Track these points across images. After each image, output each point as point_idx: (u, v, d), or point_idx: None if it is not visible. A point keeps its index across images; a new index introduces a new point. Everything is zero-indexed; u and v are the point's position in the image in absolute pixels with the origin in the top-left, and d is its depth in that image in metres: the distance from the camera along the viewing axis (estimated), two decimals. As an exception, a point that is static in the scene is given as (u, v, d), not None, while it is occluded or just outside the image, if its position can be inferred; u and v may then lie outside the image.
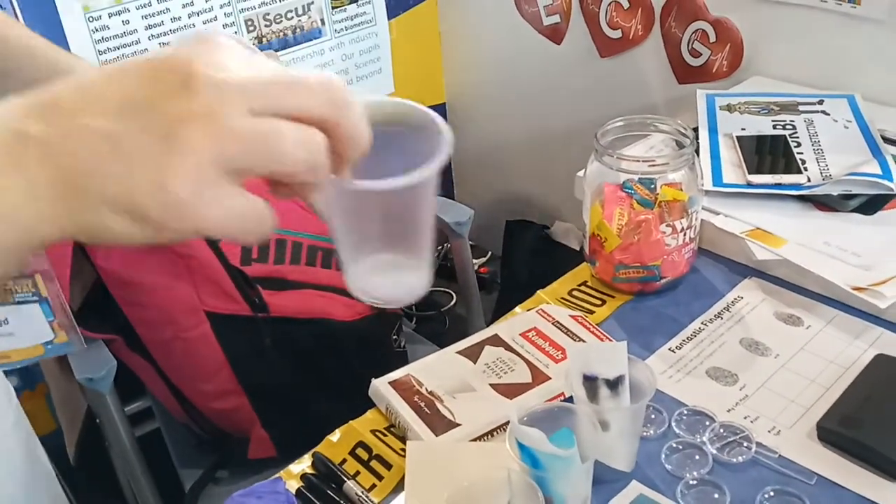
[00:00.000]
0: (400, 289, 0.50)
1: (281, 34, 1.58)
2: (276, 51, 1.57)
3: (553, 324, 0.91)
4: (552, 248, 1.85)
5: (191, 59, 0.35)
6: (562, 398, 0.81)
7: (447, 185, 2.10)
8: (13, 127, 0.35)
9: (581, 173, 1.01)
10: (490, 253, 2.10)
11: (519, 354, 0.87)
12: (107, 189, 0.35)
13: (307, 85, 0.37)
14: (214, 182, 0.35)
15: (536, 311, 0.93)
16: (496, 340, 0.89)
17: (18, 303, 1.00)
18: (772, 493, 0.71)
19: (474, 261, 2.11)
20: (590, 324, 0.90)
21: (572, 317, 0.91)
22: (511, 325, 0.91)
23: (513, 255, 1.96)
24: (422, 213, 0.47)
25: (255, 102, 0.35)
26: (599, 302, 0.96)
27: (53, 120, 0.35)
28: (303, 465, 0.79)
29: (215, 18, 1.50)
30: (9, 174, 0.34)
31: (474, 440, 0.78)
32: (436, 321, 2.01)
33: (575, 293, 0.99)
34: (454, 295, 2.00)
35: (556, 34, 1.66)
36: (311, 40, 1.63)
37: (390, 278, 0.49)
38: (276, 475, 0.77)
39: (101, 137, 0.34)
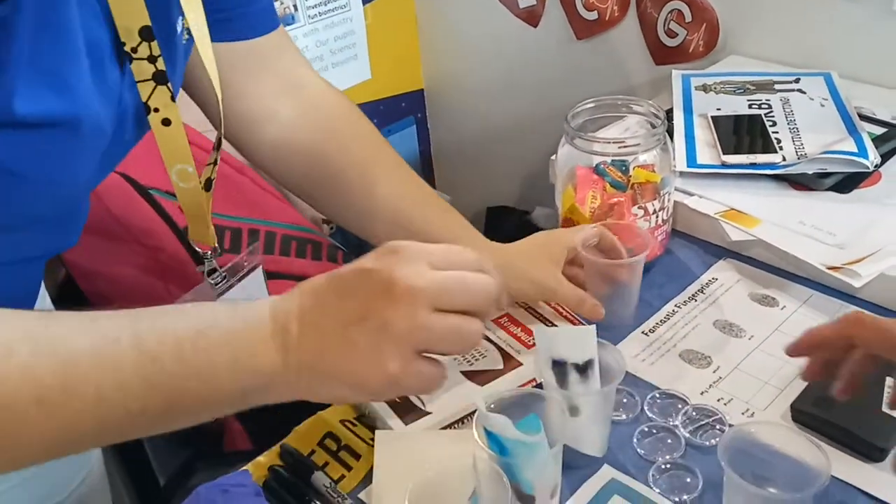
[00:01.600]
0: None
1: (253, 21, 1.56)
2: (248, 38, 1.54)
3: (526, 309, 0.90)
4: (533, 233, 1.83)
5: (389, 271, 0.52)
6: (533, 384, 0.80)
7: (427, 173, 2.08)
8: (282, 322, 0.52)
9: (554, 157, 0.99)
10: (473, 240, 2.09)
11: (490, 340, 0.85)
12: (343, 373, 0.52)
13: (470, 288, 0.54)
14: (412, 360, 0.52)
15: None
16: None
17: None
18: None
19: (457, 248, 2.11)
20: (563, 307, 0.89)
21: (544, 300, 0.90)
22: None
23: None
24: None
25: (437, 302, 0.52)
26: (573, 286, 0.95)
27: (306, 324, 0.52)
28: (271, 456, 0.78)
29: (186, 6, 1.47)
30: (273, 351, 0.52)
31: (445, 428, 0.77)
32: (419, 310, 2.00)
33: (549, 278, 0.97)
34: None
35: (532, 17, 1.64)
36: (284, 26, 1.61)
37: None
38: (243, 468, 0.76)
39: (338, 339, 0.52)
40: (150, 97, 0.58)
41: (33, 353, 0.46)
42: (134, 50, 0.55)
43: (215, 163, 0.66)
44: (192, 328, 0.51)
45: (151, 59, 0.55)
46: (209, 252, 0.73)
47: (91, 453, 0.90)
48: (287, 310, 0.53)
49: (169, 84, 0.58)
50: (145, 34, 0.54)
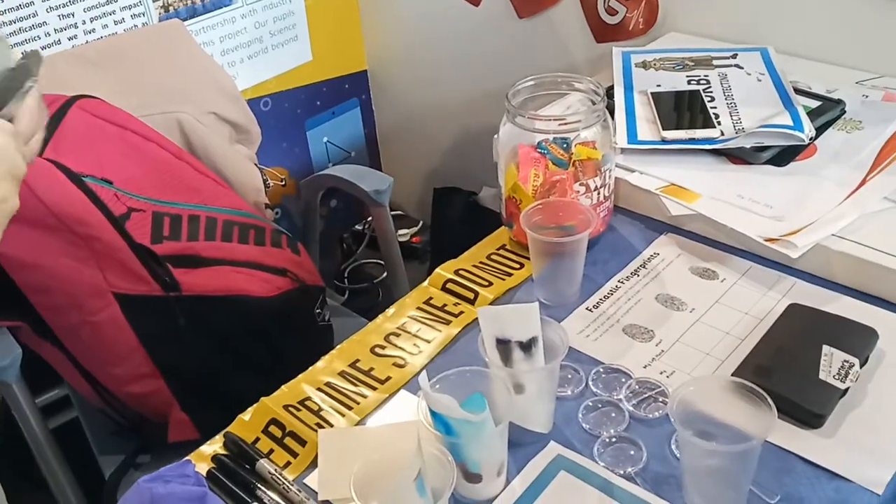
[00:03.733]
0: None
1: (188, 2, 1.52)
2: (184, 20, 1.50)
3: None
4: (480, 213, 1.83)
5: None
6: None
7: (373, 155, 2.06)
8: None
9: (497, 136, 0.99)
10: (421, 222, 2.08)
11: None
12: None
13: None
14: None
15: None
16: None
17: None
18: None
19: (406, 231, 2.09)
20: None
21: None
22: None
23: (442, 223, 1.94)
24: None
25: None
26: (518, 265, 0.95)
27: None
28: (215, 445, 0.77)
29: (117, -13, 1.43)
30: None
31: None
32: (368, 294, 1.98)
33: (493, 257, 0.97)
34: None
35: (473, -4, 1.63)
36: (220, 8, 1.57)
37: None
38: (186, 458, 0.74)
39: None
40: None
41: None
42: None
43: None
44: None
45: None
46: None
47: None
48: None
49: None
50: None
